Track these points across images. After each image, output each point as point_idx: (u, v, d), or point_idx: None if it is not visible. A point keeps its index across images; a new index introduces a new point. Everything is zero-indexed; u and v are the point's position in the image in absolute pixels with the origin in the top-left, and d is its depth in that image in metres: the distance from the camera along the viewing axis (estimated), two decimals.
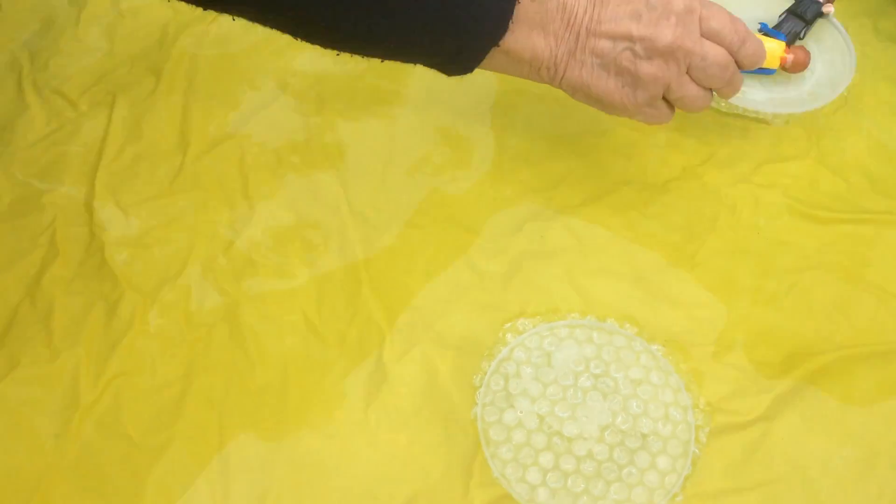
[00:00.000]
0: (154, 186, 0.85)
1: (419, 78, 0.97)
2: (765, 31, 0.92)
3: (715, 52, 0.68)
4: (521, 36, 0.65)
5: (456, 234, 0.84)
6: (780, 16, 0.95)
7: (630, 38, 0.65)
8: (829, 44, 0.96)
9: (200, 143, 0.89)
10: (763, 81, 0.93)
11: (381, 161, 0.89)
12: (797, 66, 0.89)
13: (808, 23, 0.93)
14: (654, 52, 0.65)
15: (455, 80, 0.73)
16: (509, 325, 0.76)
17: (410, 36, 0.65)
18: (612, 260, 0.83)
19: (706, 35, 0.68)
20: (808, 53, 0.90)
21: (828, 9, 0.94)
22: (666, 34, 0.65)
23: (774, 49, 0.86)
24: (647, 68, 0.66)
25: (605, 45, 0.66)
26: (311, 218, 0.83)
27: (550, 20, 0.65)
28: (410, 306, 0.78)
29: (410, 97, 0.95)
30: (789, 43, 0.92)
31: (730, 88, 0.73)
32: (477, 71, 0.71)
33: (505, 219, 0.86)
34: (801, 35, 0.93)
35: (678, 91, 0.69)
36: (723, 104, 0.92)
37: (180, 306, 0.77)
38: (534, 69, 0.68)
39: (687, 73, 0.69)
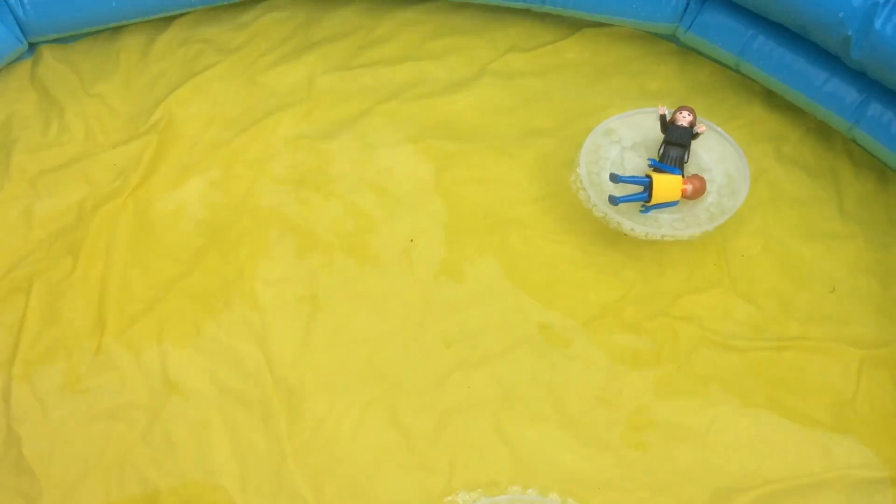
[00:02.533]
0: (71, 374, 0.84)
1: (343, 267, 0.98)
2: (656, 166, 0.96)
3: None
4: None
5: (381, 390, 0.84)
6: (659, 148, 0.98)
7: None
8: (719, 153, 1.00)
9: (118, 321, 0.88)
10: (671, 209, 0.97)
11: (304, 322, 0.89)
12: (697, 194, 0.94)
13: (687, 146, 0.98)
14: None
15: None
16: (449, 499, 0.76)
17: None
18: (539, 405, 0.84)
19: None
20: (703, 180, 0.94)
21: (700, 129, 0.99)
22: None
23: (674, 183, 0.91)
24: None
25: None
26: (233, 389, 0.82)
27: None
28: (336, 475, 0.77)
29: (337, 267, 0.96)
30: (673, 166, 0.96)
31: None
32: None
33: (430, 370, 0.87)
34: (686, 158, 0.97)
35: None
36: (642, 234, 0.94)
37: (100, 498, 0.75)
38: None
39: None
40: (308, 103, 1.14)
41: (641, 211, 0.94)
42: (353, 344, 0.88)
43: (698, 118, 1.01)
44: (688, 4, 1.15)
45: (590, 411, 0.82)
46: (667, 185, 0.89)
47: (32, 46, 1.17)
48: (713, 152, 1.01)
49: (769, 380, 0.84)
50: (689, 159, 0.99)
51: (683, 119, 0.98)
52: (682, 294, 0.93)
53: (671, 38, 1.22)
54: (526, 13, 1.24)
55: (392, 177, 1.05)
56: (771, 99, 1.14)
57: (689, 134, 0.99)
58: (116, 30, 1.20)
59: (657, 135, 1.01)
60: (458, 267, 0.96)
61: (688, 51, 1.22)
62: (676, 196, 0.91)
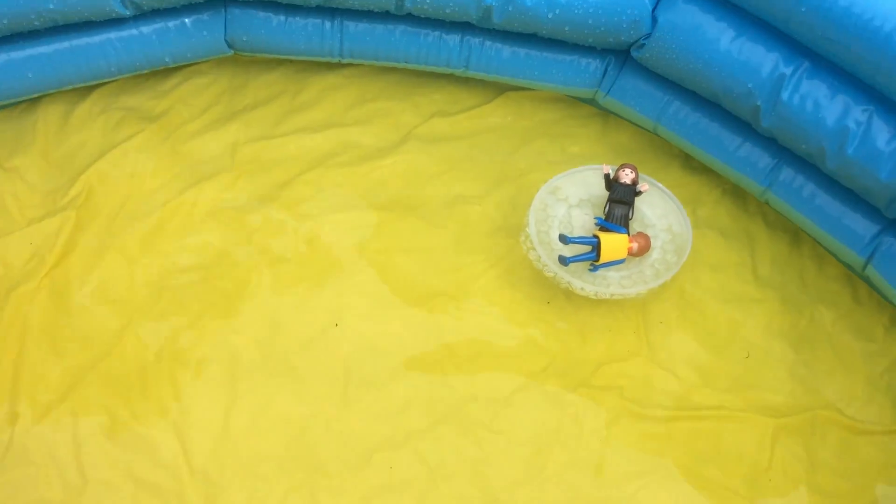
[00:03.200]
0: None
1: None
2: (602, 225, 0.99)
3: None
4: None
5: (303, 475, 0.83)
6: (605, 206, 1.02)
7: None
8: (662, 209, 1.03)
9: (32, 412, 0.86)
10: (618, 267, 0.99)
11: (223, 405, 0.88)
12: (642, 251, 0.97)
13: (631, 204, 1.01)
14: None
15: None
16: None
17: None
18: (464, 484, 0.84)
19: None
20: (647, 237, 0.98)
21: (643, 187, 1.02)
22: None
23: (621, 241, 0.95)
24: None
25: None
26: (148, 482, 0.81)
27: None
28: None
29: (260, 345, 0.95)
30: (620, 225, 0.99)
31: None
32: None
33: (352, 451, 0.86)
34: (630, 215, 1.01)
35: None
36: (591, 293, 0.95)
37: None
38: None
39: None
40: (232, 173, 1.13)
41: (590, 270, 0.97)
42: (275, 427, 0.87)
43: (641, 175, 1.04)
44: (606, 70, 1.17)
45: (515, 488, 0.82)
46: (614, 245, 0.93)
47: None
48: (656, 208, 1.05)
49: (688, 450, 0.86)
50: (634, 216, 1.02)
51: (626, 176, 1.02)
52: (603, 363, 0.94)
53: (591, 102, 1.25)
54: (449, 77, 1.26)
55: (317, 247, 1.05)
56: (688, 161, 1.17)
57: (633, 191, 1.02)
58: (34, 100, 1.18)
59: (602, 192, 1.04)
60: (383, 340, 0.96)
61: (608, 113, 1.24)
62: (623, 255, 0.95)
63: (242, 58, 1.25)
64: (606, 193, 1.03)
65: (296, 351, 0.94)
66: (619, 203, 1.02)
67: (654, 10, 1.06)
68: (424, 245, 1.07)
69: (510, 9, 1.08)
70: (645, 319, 0.98)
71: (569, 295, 1.01)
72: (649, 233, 1.01)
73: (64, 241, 1.01)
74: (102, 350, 0.93)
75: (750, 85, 0.99)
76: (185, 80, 1.24)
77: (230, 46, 1.21)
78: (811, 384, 0.94)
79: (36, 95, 1.17)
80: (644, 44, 1.08)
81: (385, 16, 1.17)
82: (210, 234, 1.02)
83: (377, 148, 1.19)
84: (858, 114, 0.93)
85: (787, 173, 1.05)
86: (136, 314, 0.96)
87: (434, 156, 1.19)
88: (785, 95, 0.97)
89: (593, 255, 0.95)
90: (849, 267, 1.02)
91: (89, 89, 1.20)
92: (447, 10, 1.10)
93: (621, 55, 1.16)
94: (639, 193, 1.03)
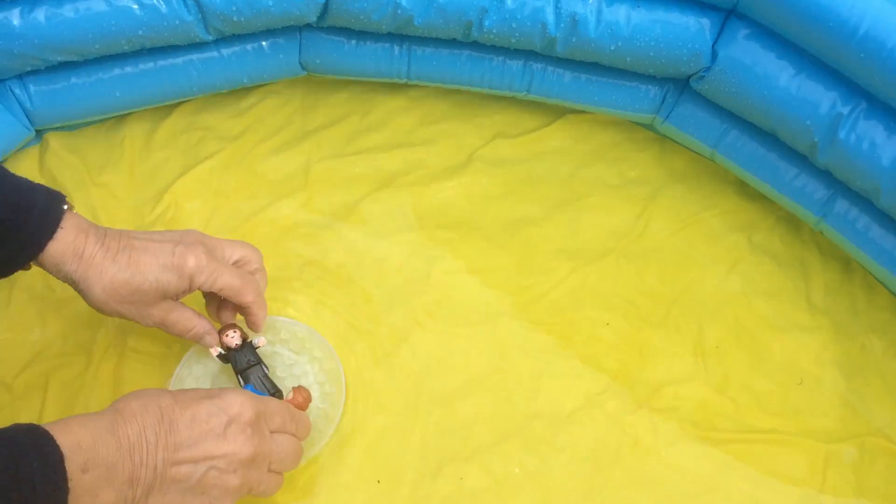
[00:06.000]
0: None
1: None
2: (253, 392, 0.82)
3: (288, 447, 0.74)
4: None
5: (382, 485, 0.88)
6: (237, 379, 0.88)
7: (212, 458, 0.65)
8: (319, 352, 0.96)
9: None
10: None
11: None
12: (305, 405, 0.85)
13: (260, 361, 0.89)
14: (238, 464, 0.67)
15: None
16: None
17: None
18: (529, 498, 0.89)
19: (276, 430, 0.73)
20: (307, 391, 0.86)
21: (260, 342, 0.90)
22: (247, 448, 0.68)
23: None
24: (233, 480, 0.67)
25: (186, 469, 0.64)
26: None
27: (113, 475, 0.61)
28: None
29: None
30: (269, 389, 0.87)
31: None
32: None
33: (424, 461, 0.91)
34: (267, 372, 0.89)
35: (259, 486, 0.71)
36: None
37: None
38: None
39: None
40: (306, 191, 1.19)
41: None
42: (353, 436, 0.92)
43: (248, 329, 0.90)
44: (665, 97, 1.22)
45: (577, 503, 0.87)
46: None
47: (39, 133, 1.22)
48: (312, 351, 0.96)
49: (744, 472, 0.90)
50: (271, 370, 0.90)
51: (232, 340, 0.87)
52: (662, 385, 0.99)
53: (649, 127, 1.30)
54: (511, 100, 1.31)
55: (387, 266, 1.11)
56: (743, 188, 1.21)
57: (252, 349, 0.89)
58: (121, 118, 1.25)
59: (225, 369, 0.91)
60: (450, 358, 1.02)
61: (665, 138, 1.29)
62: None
63: (313, 78, 1.31)
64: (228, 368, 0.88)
65: (369, 366, 0.99)
66: (248, 368, 0.88)
67: (714, 45, 1.10)
68: (488, 266, 1.12)
69: (573, 40, 1.13)
70: (702, 344, 1.03)
71: (628, 316, 1.06)
72: (302, 382, 0.92)
73: None
74: None
75: (808, 122, 1.03)
76: (260, 100, 1.30)
77: (303, 68, 1.27)
78: (861, 411, 0.97)
79: (123, 113, 1.24)
80: (703, 76, 1.12)
81: (451, 42, 1.22)
82: (287, 250, 1.08)
83: (442, 168, 1.24)
84: None
85: (841, 205, 1.08)
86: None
87: (496, 177, 1.24)
88: (842, 134, 1.00)
89: None
90: None
91: (171, 108, 1.27)
92: (512, 40, 1.15)
93: (680, 83, 1.20)
94: (258, 347, 0.90)
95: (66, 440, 0.59)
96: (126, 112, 1.24)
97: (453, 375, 1.00)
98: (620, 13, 1.09)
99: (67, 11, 1.07)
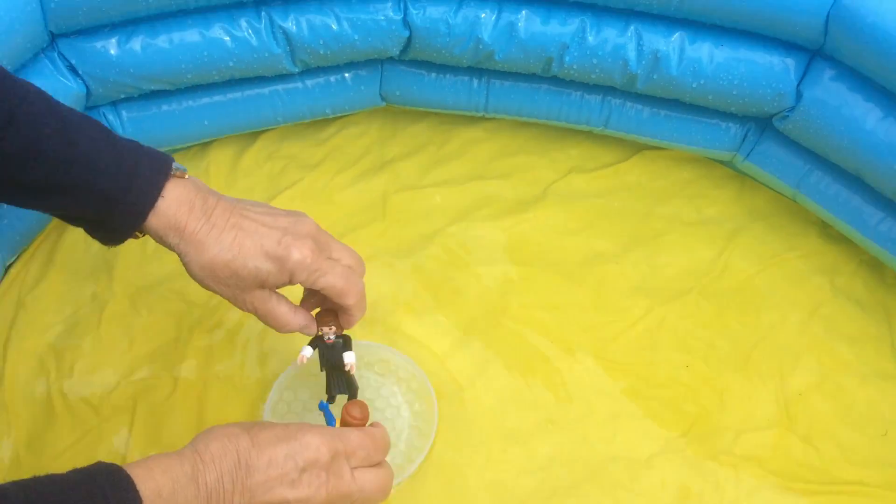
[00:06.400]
0: None
1: None
2: (323, 411, 0.84)
3: (372, 482, 0.72)
4: None
5: None
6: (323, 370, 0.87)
7: (286, 503, 0.65)
8: (405, 374, 0.97)
9: None
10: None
11: None
12: (365, 418, 0.81)
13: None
14: None
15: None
16: None
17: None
18: None
19: (359, 466, 0.72)
20: (362, 404, 0.82)
21: (349, 359, 0.87)
22: (320, 493, 0.67)
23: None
24: None
25: None
26: None
27: None
28: None
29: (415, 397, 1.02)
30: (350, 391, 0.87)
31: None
32: None
33: (501, 499, 0.91)
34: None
35: None
36: None
37: None
38: None
39: None
40: (384, 222, 1.21)
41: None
42: (427, 471, 0.92)
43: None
44: (746, 135, 1.21)
45: None
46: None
47: None
48: (399, 373, 0.97)
49: None
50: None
51: (328, 333, 0.85)
52: (743, 431, 0.97)
53: (728, 164, 1.28)
54: (586, 134, 1.31)
55: (463, 301, 1.11)
56: (826, 229, 1.19)
57: (344, 347, 0.86)
58: (205, 144, 1.29)
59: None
60: (526, 395, 1.02)
61: (745, 176, 1.27)
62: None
63: (392, 109, 1.33)
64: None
65: (443, 399, 0.99)
66: (335, 368, 0.86)
67: (799, 85, 1.09)
68: (563, 302, 1.12)
69: (655, 77, 1.12)
70: (784, 390, 1.01)
71: (707, 359, 1.05)
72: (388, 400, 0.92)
73: None
74: None
75: (895, 165, 1.01)
76: (339, 130, 1.33)
77: (383, 99, 1.30)
78: None
79: (208, 140, 1.28)
80: (787, 116, 1.11)
81: (530, 76, 1.23)
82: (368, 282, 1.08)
83: (517, 202, 1.25)
84: None
85: None
86: None
87: (572, 212, 1.24)
88: None
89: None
90: None
91: (255, 136, 1.30)
92: (593, 76, 1.16)
93: (762, 121, 1.19)
94: (348, 371, 0.87)
95: (147, 487, 0.59)
96: (211, 139, 1.27)
97: (528, 412, 1.00)
98: (703, 51, 1.09)
99: (162, 42, 1.10)
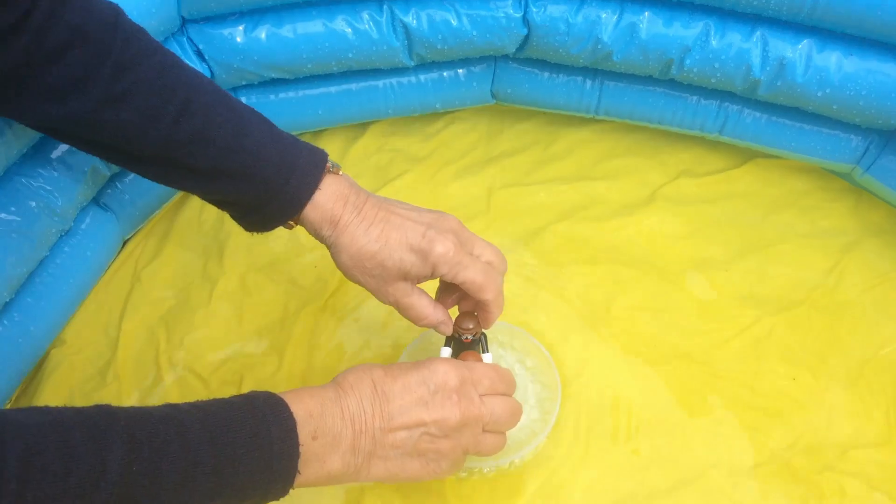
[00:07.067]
0: None
1: None
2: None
3: (501, 406, 0.74)
4: (314, 471, 0.64)
5: None
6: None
7: (424, 424, 0.68)
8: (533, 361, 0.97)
9: None
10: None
11: None
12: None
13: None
14: (449, 429, 0.69)
15: None
16: None
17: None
18: None
19: (485, 393, 0.73)
20: (476, 355, 0.85)
21: (487, 358, 0.87)
22: (454, 413, 0.69)
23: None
24: (446, 444, 0.69)
25: (402, 436, 0.68)
26: None
27: (339, 442, 0.65)
28: None
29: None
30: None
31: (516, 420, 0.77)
32: None
33: (598, 499, 0.91)
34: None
35: (477, 447, 0.73)
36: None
37: None
38: (335, 480, 0.67)
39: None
40: (488, 216, 1.22)
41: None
42: (526, 465, 0.92)
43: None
44: (868, 147, 1.17)
45: None
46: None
47: None
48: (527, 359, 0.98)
49: None
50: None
51: (467, 331, 0.85)
52: (850, 447, 0.94)
53: (846, 177, 1.24)
54: (697, 139, 1.29)
55: (566, 297, 1.11)
56: None
57: (480, 346, 0.88)
58: (316, 132, 1.32)
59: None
60: (625, 394, 1.00)
61: (861, 189, 1.23)
62: None
63: (499, 107, 1.34)
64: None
65: (546, 395, 0.99)
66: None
67: None
68: (667, 306, 1.10)
69: (778, 83, 1.10)
70: (889, 404, 0.97)
71: (816, 373, 1.02)
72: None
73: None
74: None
75: None
76: (447, 125, 1.34)
77: (493, 96, 1.30)
78: None
79: (320, 129, 1.31)
80: None
81: (646, 78, 1.21)
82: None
83: (623, 204, 1.24)
84: None
85: None
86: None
87: (680, 217, 1.22)
88: None
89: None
90: None
91: (364, 127, 1.33)
92: (712, 80, 1.14)
93: (886, 134, 1.15)
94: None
95: (299, 409, 0.64)
96: (323, 128, 1.31)
97: (630, 412, 0.99)
98: (832, 60, 1.06)
99: (286, 31, 1.14)
